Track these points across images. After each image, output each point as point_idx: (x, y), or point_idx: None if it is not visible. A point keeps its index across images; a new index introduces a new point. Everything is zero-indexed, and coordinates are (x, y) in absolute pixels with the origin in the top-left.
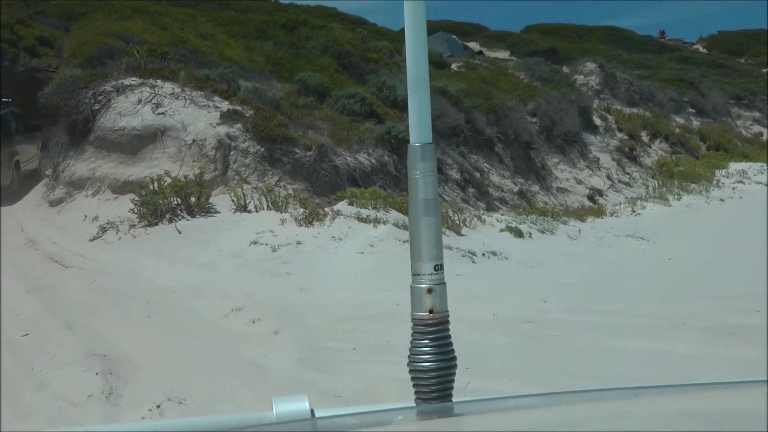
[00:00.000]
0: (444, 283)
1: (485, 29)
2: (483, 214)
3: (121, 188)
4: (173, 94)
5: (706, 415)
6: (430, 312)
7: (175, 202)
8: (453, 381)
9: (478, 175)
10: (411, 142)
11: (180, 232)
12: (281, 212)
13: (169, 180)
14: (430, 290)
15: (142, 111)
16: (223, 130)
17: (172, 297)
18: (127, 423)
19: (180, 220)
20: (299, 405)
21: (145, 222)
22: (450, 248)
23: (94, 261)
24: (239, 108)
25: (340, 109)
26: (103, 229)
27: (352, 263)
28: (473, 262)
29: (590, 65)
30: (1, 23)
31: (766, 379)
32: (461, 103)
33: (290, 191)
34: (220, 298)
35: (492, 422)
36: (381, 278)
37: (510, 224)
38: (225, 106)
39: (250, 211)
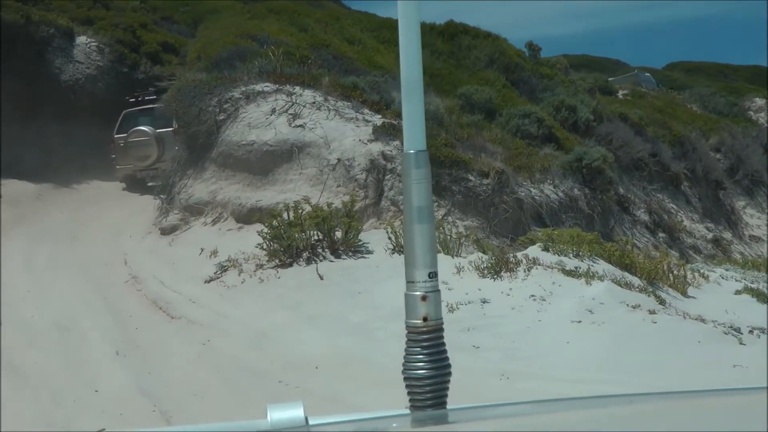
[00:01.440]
0: (438, 291)
1: (625, 65)
2: (701, 267)
3: (246, 216)
4: (314, 103)
5: (704, 422)
6: (425, 320)
7: (316, 238)
8: (447, 388)
9: (666, 217)
10: (405, 149)
11: (322, 278)
12: (453, 256)
13: (308, 208)
14: (424, 298)
15: (276, 123)
16: (376, 148)
17: (312, 376)
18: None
19: (321, 260)
20: (294, 412)
21: (277, 261)
22: (701, 320)
23: (208, 312)
24: (396, 122)
25: (512, 131)
26: (223, 269)
27: (567, 336)
28: (741, 342)
29: (759, 101)
30: (120, 26)
31: (766, 386)
32: (645, 132)
33: (461, 228)
34: (381, 380)
35: (486, 429)
36: (614, 364)
37: (746, 283)
38: (377, 119)
39: None
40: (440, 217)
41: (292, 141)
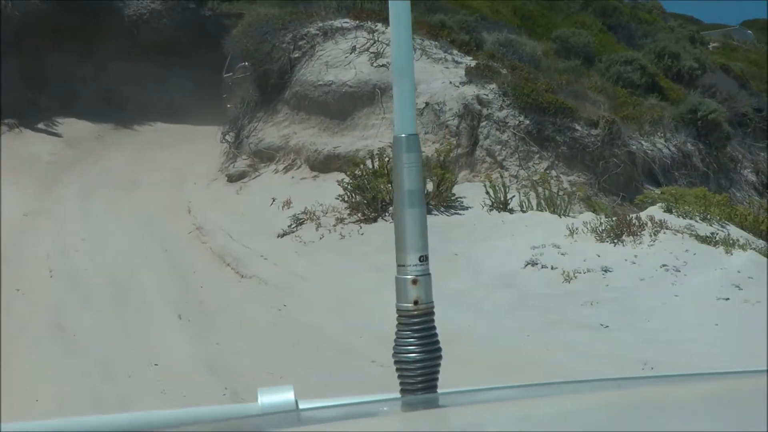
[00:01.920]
0: (429, 274)
1: (698, 22)
2: None
3: (323, 164)
4: None
5: (700, 405)
6: (415, 303)
7: None
8: (438, 372)
9: None
10: (395, 133)
11: None
12: (560, 215)
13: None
14: (414, 281)
15: (357, 62)
16: (470, 91)
17: None
18: (113, 415)
19: None
20: (284, 396)
21: (359, 215)
22: None
23: (283, 271)
24: (493, 64)
25: (613, 78)
26: (299, 222)
27: (714, 317)
28: None
29: None
30: None
31: (765, 369)
32: (749, 86)
33: (565, 184)
34: (492, 362)
35: (477, 413)
36: None
37: None
38: (468, 61)
39: (512, 211)
40: (543, 170)
41: (374, 82)
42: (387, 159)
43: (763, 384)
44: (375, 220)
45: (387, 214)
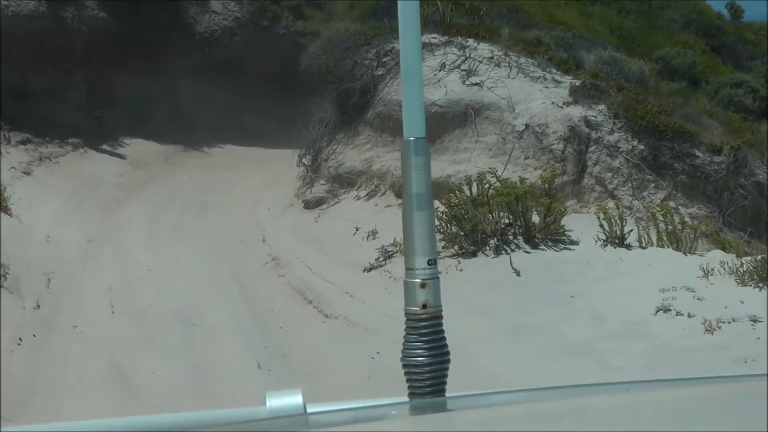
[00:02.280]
0: (437, 278)
1: None
2: None
3: None
4: (492, 59)
5: (703, 409)
6: (424, 306)
7: (506, 221)
8: (446, 376)
9: None
10: (405, 136)
11: (518, 273)
12: (685, 253)
13: (495, 182)
14: (423, 285)
15: (447, 80)
16: (576, 112)
17: None
18: (123, 418)
19: (514, 250)
20: (292, 400)
21: (456, 248)
22: None
23: (373, 311)
24: (600, 84)
25: (723, 102)
26: (387, 254)
27: None
28: None
29: None
30: None
31: (765, 373)
32: None
33: (686, 217)
34: None
35: (485, 417)
36: None
37: None
38: (568, 80)
39: (629, 246)
40: (659, 200)
41: (466, 102)
42: (488, 186)
43: (763, 388)
44: (474, 254)
45: (488, 248)
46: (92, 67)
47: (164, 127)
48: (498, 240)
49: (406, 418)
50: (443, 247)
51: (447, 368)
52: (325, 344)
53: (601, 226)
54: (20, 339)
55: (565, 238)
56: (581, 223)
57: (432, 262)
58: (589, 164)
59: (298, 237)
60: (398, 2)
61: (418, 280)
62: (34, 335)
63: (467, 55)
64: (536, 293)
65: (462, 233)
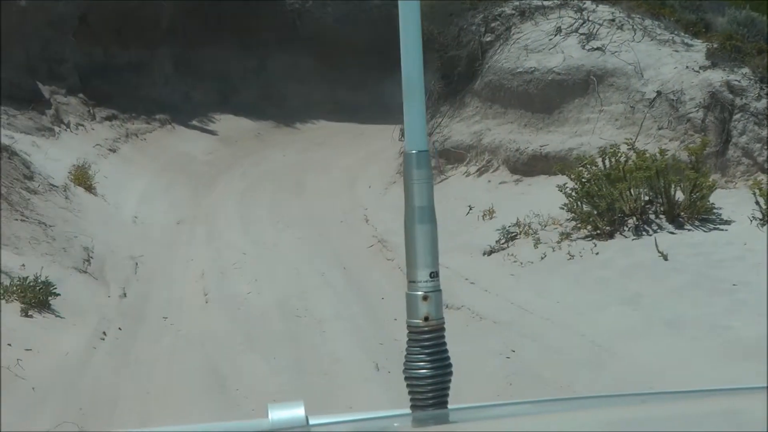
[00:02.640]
0: (440, 291)
1: None
2: None
3: (527, 166)
4: (614, 21)
5: (706, 422)
6: (426, 319)
7: (646, 198)
8: (448, 388)
9: None
10: (406, 149)
11: (666, 258)
12: None
13: (630, 154)
14: (425, 297)
15: (564, 45)
16: (716, 77)
17: None
18: (125, 430)
19: (656, 231)
20: (294, 412)
21: (589, 229)
22: None
23: (499, 301)
24: (742, 45)
25: None
26: (509, 236)
27: None
28: None
29: None
30: None
31: (766, 385)
32: None
33: None
34: None
35: (487, 428)
36: None
37: None
38: (699, 44)
39: None
40: None
41: (587, 68)
42: (625, 159)
43: (763, 400)
44: (611, 235)
45: (626, 228)
46: (178, 41)
47: (254, 102)
48: (637, 219)
49: (409, 429)
50: (574, 228)
51: (449, 380)
52: (449, 340)
53: (757, 203)
54: (104, 333)
55: (714, 216)
56: (730, 200)
57: (434, 275)
58: (734, 134)
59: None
60: (400, 21)
61: (420, 293)
62: (119, 328)
63: (585, 17)
64: (690, 281)
65: (596, 212)
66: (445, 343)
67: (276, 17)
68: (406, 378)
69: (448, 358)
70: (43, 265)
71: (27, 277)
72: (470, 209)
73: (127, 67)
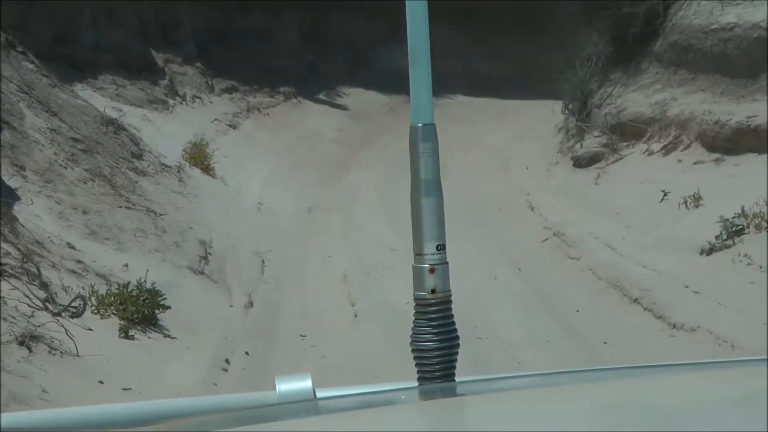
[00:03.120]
0: (446, 263)
1: None
2: None
3: (730, 142)
4: None
5: (707, 394)
6: (432, 292)
7: None
8: (456, 360)
9: None
10: (411, 122)
11: None
12: None
13: None
14: (432, 270)
15: None
16: None
17: None
18: (131, 402)
19: None
20: (302, 384)
21: None
22: None
23: (742, 318)
24: None
25: None
26: (734, 229)
27: None
28: None
29: None
30: None
31: (766, 358)
32: None
33: None
34: None
35: (494, 401)
36: None
37: None
38: None
39: None
40: None
41: None
42: None
43: (763, 373)
44: None
45: None
46: (305, 7)
47: (387, 75)
48: None
49: (416, 402)
50: None
51: (456, 353)
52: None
53: None
54: (227, 361)
55: None
56: None
57: (441, 248)
58: None
59: (577, 204)
60: None
61: (426, 266)
62: (246, 353)
63: None
64: None
65: None
66: (452, 316)
67: None
68: (413, 350)
69: (455, 330)
70: (151, 264)
71: (128, 283)
72: (665, 195)
73: (249, 35)
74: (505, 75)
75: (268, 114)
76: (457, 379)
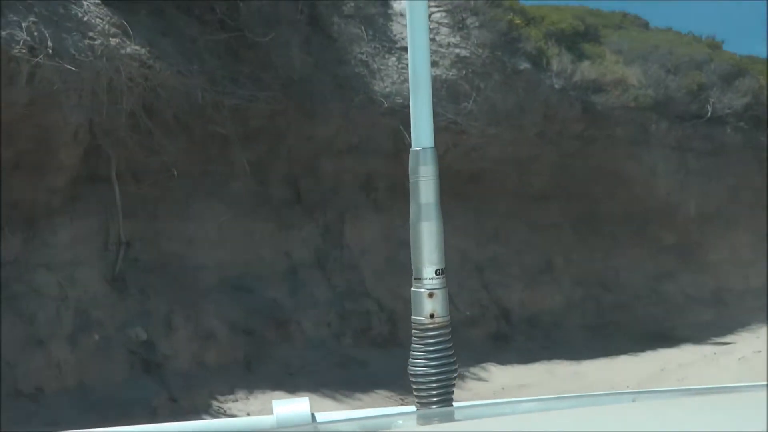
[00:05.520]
0: (445, 288)
1: None
2: None
3: None
4: None
5: (705, 420)
6: (431, 316)
7: None
8: (453, 385)
9: None
10: (412, 146)
11: None
12: None
13: None
14: (431, 294)
15: None
16: None
17: None
18: (129, 426)
19: None
20: (300, 409)
21: None
22: None
23: None
24: None
25: None
26: None
27: None
28: None
29: None
30: None
31: (765, 383)
32: None
33: None
34: None
35: (492, 426)
36: None
37: None
38: None
39: None
40: None
41: None
42: None
43: (763, 398)
44: None
45: None
46: None
47: None
48: None
49: (414, 427)
50: None
51: (454, 378)
52: None
53: None
54: None
55: None
56: None
57: (440, 272)
58: None
59: None
60: (407, 18)
61: (425, 290)
62: None
63: None
64: None
65: None
66: (450, 341)
67: None
68: (411, 375)
69: (453, 355)
70: None
71: None
72: None
73: None
74: None
75: None
76: (455, 403)
